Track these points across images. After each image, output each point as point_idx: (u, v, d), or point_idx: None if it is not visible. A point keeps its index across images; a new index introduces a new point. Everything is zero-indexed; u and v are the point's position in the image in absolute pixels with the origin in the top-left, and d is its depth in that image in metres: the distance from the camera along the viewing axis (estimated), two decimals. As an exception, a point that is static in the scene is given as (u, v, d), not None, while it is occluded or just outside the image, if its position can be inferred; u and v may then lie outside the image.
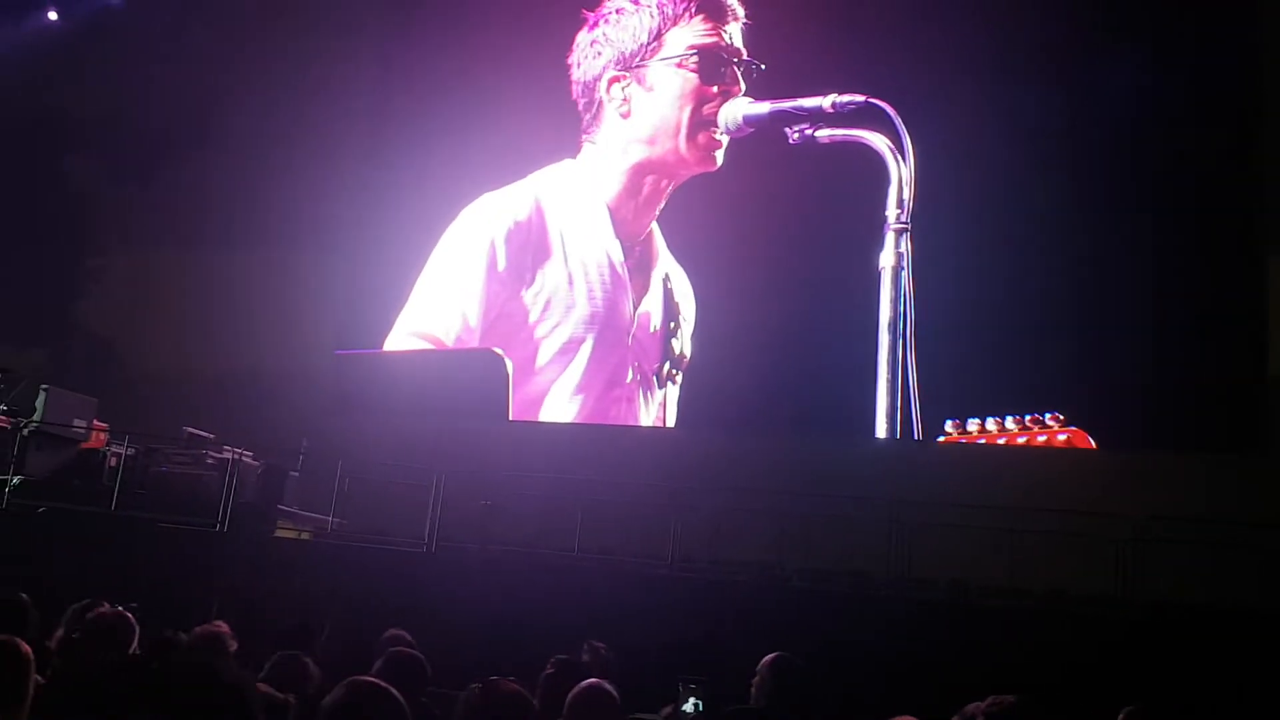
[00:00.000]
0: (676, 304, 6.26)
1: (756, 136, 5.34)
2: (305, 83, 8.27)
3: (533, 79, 7.03)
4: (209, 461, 6.09)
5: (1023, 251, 6.23)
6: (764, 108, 4.67)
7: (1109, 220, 6.33)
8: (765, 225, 6.78)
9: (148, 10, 8.89)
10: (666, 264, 6.24)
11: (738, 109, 4.99)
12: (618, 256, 6.01)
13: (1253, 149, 6.26)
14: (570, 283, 5.99)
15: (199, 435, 6.39)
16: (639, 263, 6.12)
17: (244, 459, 6.05)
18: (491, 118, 7.46)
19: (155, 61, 8.72)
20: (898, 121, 4.13)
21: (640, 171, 6.07)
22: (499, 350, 6.45)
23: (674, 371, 6.25)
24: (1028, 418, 5.86)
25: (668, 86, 5.87)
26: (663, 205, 6.15)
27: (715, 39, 5.84)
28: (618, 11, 5.95)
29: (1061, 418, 5.89)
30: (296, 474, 6.33)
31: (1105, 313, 6.28)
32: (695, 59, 5.78)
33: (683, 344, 6.29)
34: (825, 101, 4.34)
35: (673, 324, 6.19)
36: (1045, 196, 6.33)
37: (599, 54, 5.96)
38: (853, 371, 5.94)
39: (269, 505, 5.99)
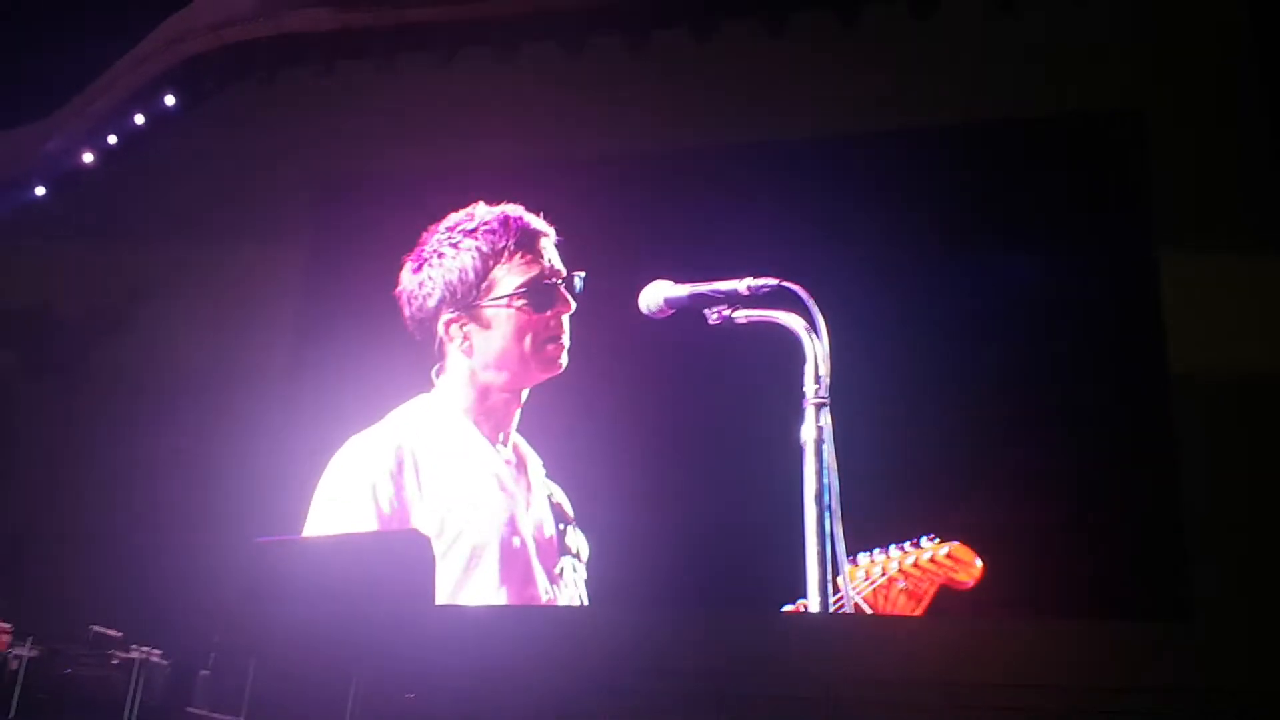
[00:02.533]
0: (559, 504, 6.25)
1: (678, 317, 5.44)
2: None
3: (376, 317, 7.09)
4: (115, 662, 5.81)
5: (940, 419, 6.45)
6: (683, 290, 4.77)
7: (1021, 393, 6.57)
8: (688, 399, 6.90)
9: (69, 205, 8.98)
10: (537, 468, 6.29)
11: (659, 292, 5.09)
12: (500, 469, 6.06)
13: (1160, 329, 6.55)
14: (460, 501, 5.98)
15: (106, 634, 6.13)
16: (517, 470, 6.16)
17: (152, 658, 5.79)
18: (342, 363, 7.57)
19: (74, 257, 8.75)
20: (809, 302, 4.23)
21: (491, 392, 6.19)
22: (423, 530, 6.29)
23: (574, 565, 6.19)
24: (907, 543, 5.99)
25: (505, 324, 6.16)
26: (520, 410, 6.22)
27: (537, 268, 6.09)
28: (438, 255, 6.13)
29: (935, 537, 5.99)
30: (207, 672, 6.06)
31: (1026, 476, 6.41)
32: (524, 296, 6.01)
33: (578, 541, 6.25)
34: (741, 285, 4.44)
35: (562, 525, 6.19)
36: (961, 369, 6.60)
37: (429, 294, 6.11)
38: (782, 544, 5.93)
39: (176, 707, 5.70)
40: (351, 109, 8.63)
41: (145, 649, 5.92)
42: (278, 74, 8.97)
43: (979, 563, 5.92)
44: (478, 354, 6.00)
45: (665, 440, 6.91)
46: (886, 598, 6.10)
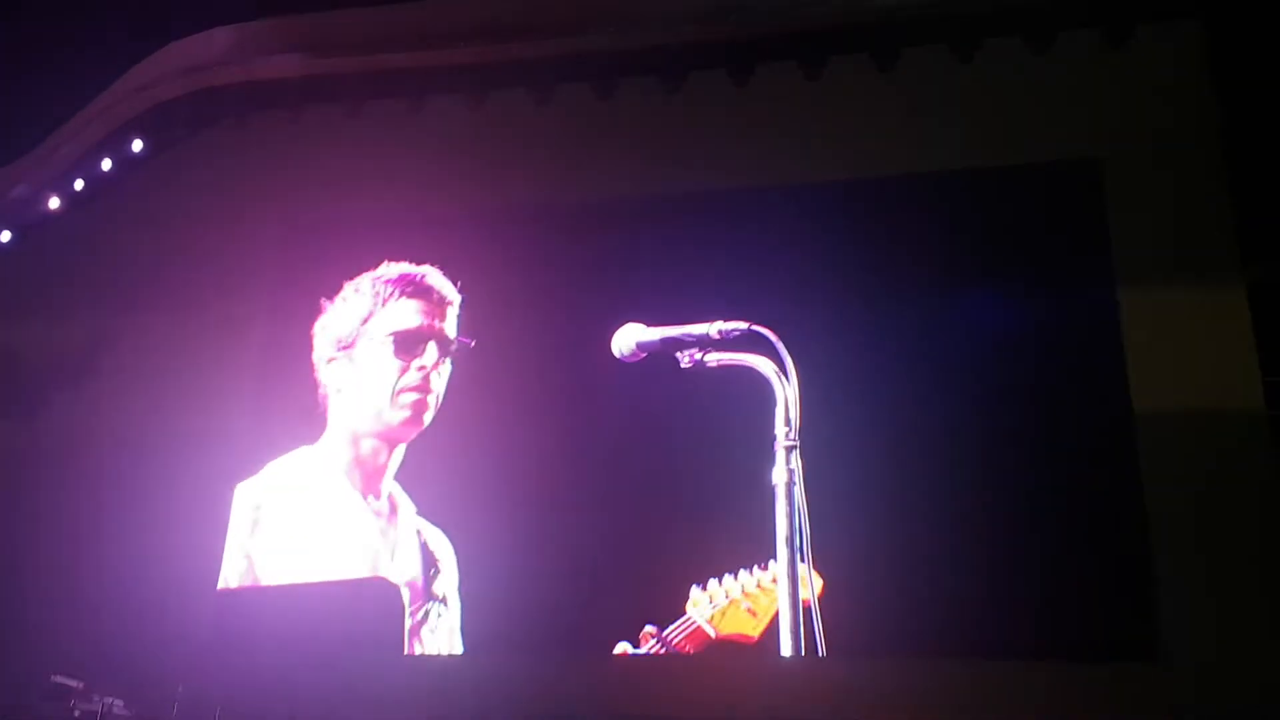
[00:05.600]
0: (430, 548, 6.43)
1: (650, 360, 5.47)
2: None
3: (278, 369, 7.26)
4: (76, 713, 5.71)
5: (906, 462, 6.53)
6: (655, 334, 4.84)
7: (987, 434, 6.65)
8: (659, 442, 6.92)
9: (34, 250, 8.93)
10: (410, 519, 6.46)
11: (631, 336, 5.15)
12: (369, 521, 6.22)
13: (1123, 366, 6.65)
14: (322, 554, 6.16)
15: (67, 684, 6.03)
16: (388, 520, 6.37)
17: (115, 708, 5.69)
18: (308, 410, 7.52)
19: (38, 303, 8.69)
20: (779, 346, 4.30)
21: (361, 440, 6.41)
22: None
23: (440, 610, 6.36)
24: (755, 566, 6.13)
25: (370, 365, 6.46)
26: (398, 467, 6.46)
27: (416, 320, 6.39)
28: (343, 300, 6.56)
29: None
30: (172, 723, 5.96)
31: (991, 514, 6.48)
32: (392, 340, 6.28)
33: (445, 588, 6.39)
34: (712, 329, 4.51)
35: (432, 571, 6.36)
36: (929, 414, 6.69)
37: (324, 340, 6.48)
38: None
39: (141, 760, 5.59)
40: (321, 154, 8.65)
41: (108, 699, 5.82)
42: (247, 119, 8.98)
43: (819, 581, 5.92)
44: (346, 394, 6.28)
45: (636, 482, 6.92)
46: (728, 616, 6.21)
